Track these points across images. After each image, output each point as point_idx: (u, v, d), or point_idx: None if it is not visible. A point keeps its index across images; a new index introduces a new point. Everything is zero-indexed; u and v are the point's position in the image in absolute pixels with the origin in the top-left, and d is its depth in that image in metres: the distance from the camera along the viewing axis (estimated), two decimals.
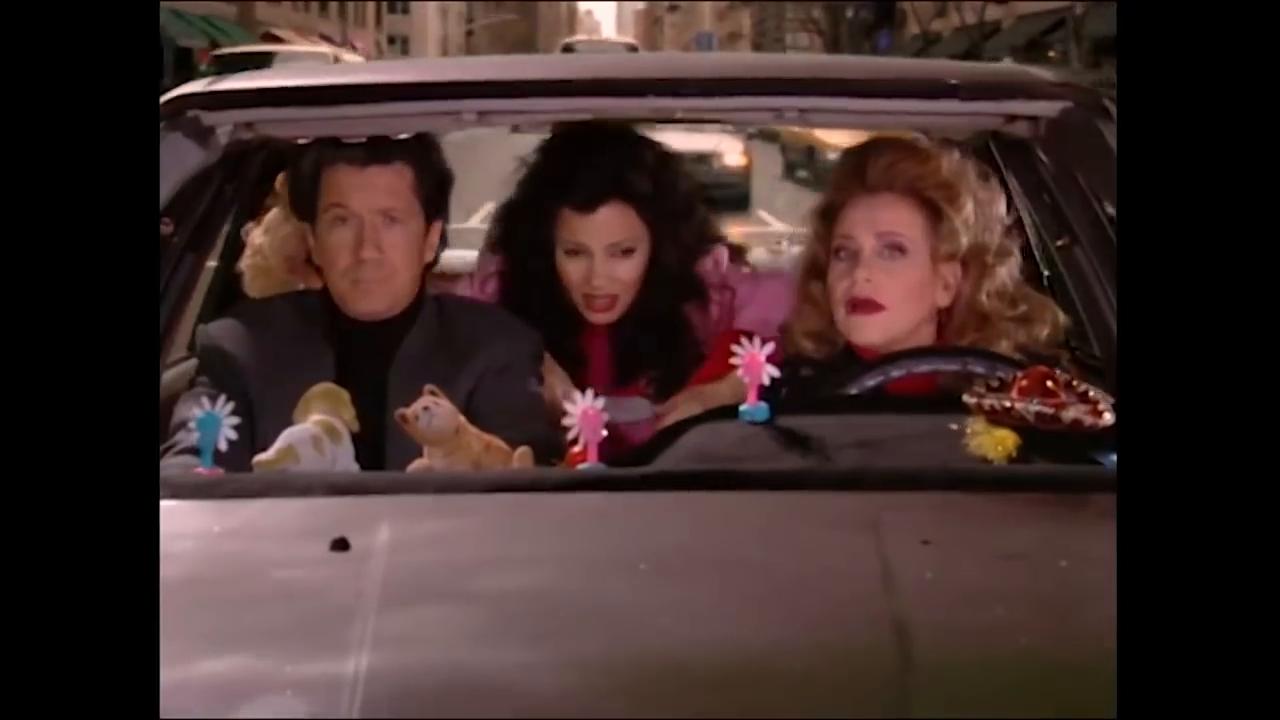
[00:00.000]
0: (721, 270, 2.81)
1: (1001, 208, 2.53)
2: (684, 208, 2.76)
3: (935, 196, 2.42)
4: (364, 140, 2.47)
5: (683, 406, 2.50)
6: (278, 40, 39.98)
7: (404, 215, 2.48)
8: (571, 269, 2.67)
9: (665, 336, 2.71)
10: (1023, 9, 38.78)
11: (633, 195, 2.65)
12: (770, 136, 23.86)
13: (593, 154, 2.63)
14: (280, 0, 44.62)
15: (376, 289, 2.47)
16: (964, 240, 2.42)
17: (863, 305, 2.39)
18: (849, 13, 49.13)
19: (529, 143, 2.86)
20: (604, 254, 2.64)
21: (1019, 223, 2.77)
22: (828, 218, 2.49)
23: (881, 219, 2.41)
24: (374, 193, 2.46)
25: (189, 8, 36.94)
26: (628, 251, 2.66)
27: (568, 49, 42.56)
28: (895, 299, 2.39)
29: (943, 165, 2.46)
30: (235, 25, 39.97)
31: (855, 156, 2.51)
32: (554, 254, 2.68)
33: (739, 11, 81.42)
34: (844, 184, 2.48)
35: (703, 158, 16.07)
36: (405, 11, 66.65)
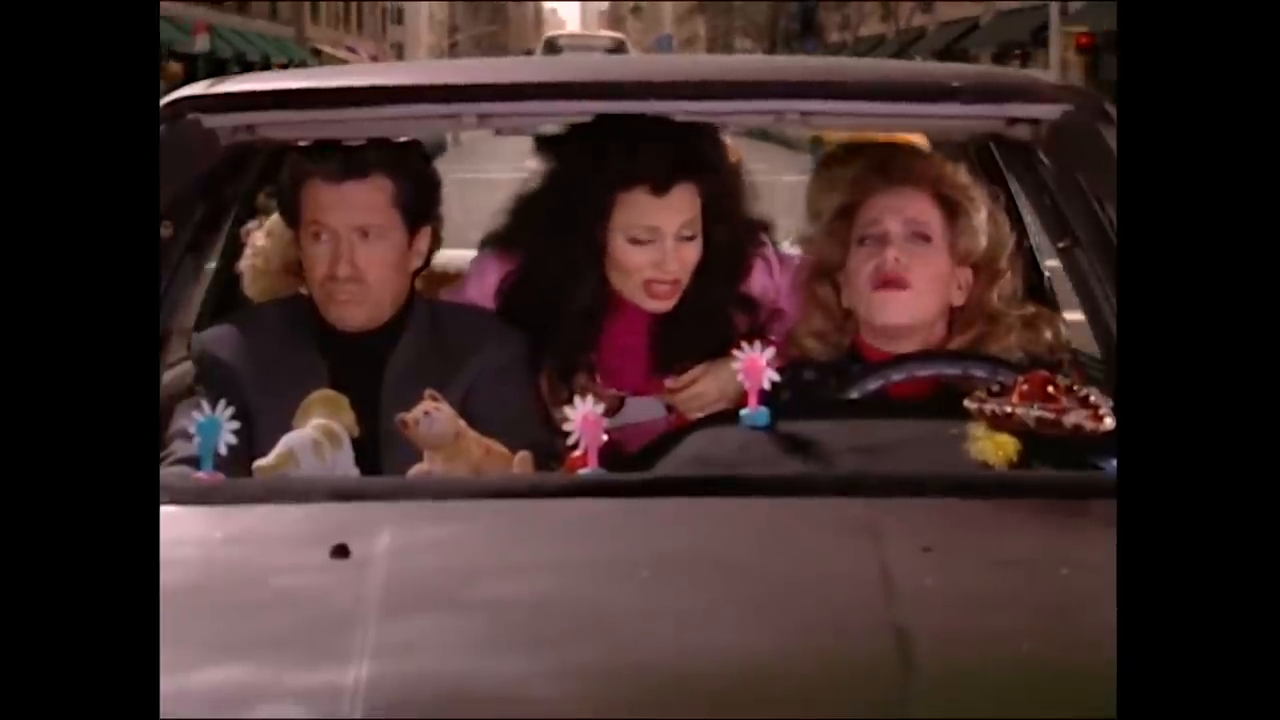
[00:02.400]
0: (771, 264, 2.73)
1: (1009, 224, 2.56)
2: (733, 188, 2.69)
3: (954, 196, 2.47)
4: (335, 151, 2.45)
5: (701, 381, 2.52)
6: (319, 54, 47.02)
7: (382, 230, 2.46)
8: (637, 256, 2.56)
9: (708, 325, 2.63)
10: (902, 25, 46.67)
11: (699, 174, 2.56)
12: (767, 134, 22.66)
13: (658, 134, 2.51)
14: (320, 22, 54.18)
15: (353, 303, 2.46)
16: (981, 241, 2.46)
17: (892, 282, 2.41)
18: (781, 22, 55.24)
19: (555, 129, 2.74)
20: (674, 237, 2.55)
21: (1023, 235, 2.79)
22: (846, 216, 2.50)
23: (908, 208, 2.45)
24: (349, 210, 2.44)
25: (266, 29, 44.55)
26: (692, 236, 2.58)
27: (551, 44, 41.95)
28: (922, 281, 2.42)
29: (960, 170, 2.54)
30: (296, 44, 47.21)
31: (874, 157, 2.56)
32: (602, 241, 2.58)
33: (695, 16, 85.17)
34: (864, 182, 2.51)
35: None
36: (400, 22, 74.68)
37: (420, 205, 2.52)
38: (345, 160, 2.44)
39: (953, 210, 2.46)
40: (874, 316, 2.44)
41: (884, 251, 2.42)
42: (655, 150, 2.51)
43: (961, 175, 2.52)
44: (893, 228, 2.43)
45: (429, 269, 2.65)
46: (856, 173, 2.56)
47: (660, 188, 2.53)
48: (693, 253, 2.58)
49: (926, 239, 2.44)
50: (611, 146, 2.54)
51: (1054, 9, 29.34)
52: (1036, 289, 2.91)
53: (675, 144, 2.52)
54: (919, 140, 2.72)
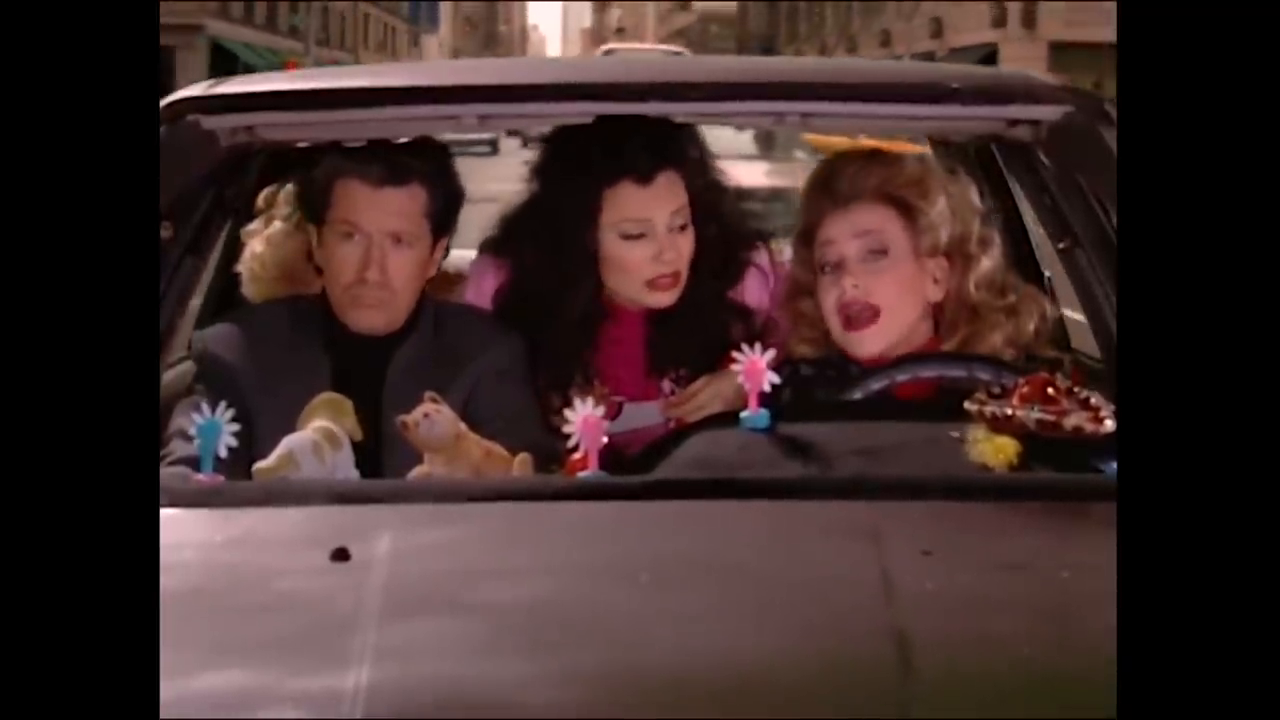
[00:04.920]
0: (765, 272, 2.73)
1: (974, 198, 2.54)
2: (719, 184, 2.70)
3: (905, 195, 2.44)
4: (377, 155, 2.46)
5: (703, 394, 2.51)
6: None
7: (412, 238, 2.48)
8: (634, 252, 2.56)
9: (702, 327, 2.64)
10: None
11: (682, 162, 2.57)
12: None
13: (635, 127, 2.51)
14: (369, 48, 63.89)
15: (376, 308, 2.47)
16: (942, 233, 2.43)
17: (857, 317, 2.39)
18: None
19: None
20: (666, 227, 2.55)
21: (1002, 213, 2.76)
22: (805, 240, 2.50)
23: (858, 225, 2.42)
24: (385, 214, 2.45)
25: (340, 56, 51.86)
26: (685, 226, 2.58)
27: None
28: (887, 300, 2.40)
29: (907, 165, 2.48)
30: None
31: (820, 175, 2.51)
32: (594, 243, 2.58)
33: (675, 41, 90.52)
34: (814, 204, 2.49)
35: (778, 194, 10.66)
36: (417, 45, 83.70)
37: (446, 217, 2.54)
38: (387, 165, 2.46)
39: (907, 211, 2.43)
40: (851, 350, 2.42)
41: (842, 280, 2.40)
42: (634, 142, 2.52)
43: (909, 170, 2.46)
44: (847, 251, 2.41)
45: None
46: (805, 192, 2.52)
47: (645, 178, 2.54)
48: (687, 243, 2.59)
49: (884, 251, 2.41)
50: (592, 145, 2.55)
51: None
52: (1026, 268, 2.90)
53: (652, 135, 2.53)
54: (863, 143, 2.67)
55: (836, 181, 2.46)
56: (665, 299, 2.61)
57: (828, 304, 2.42)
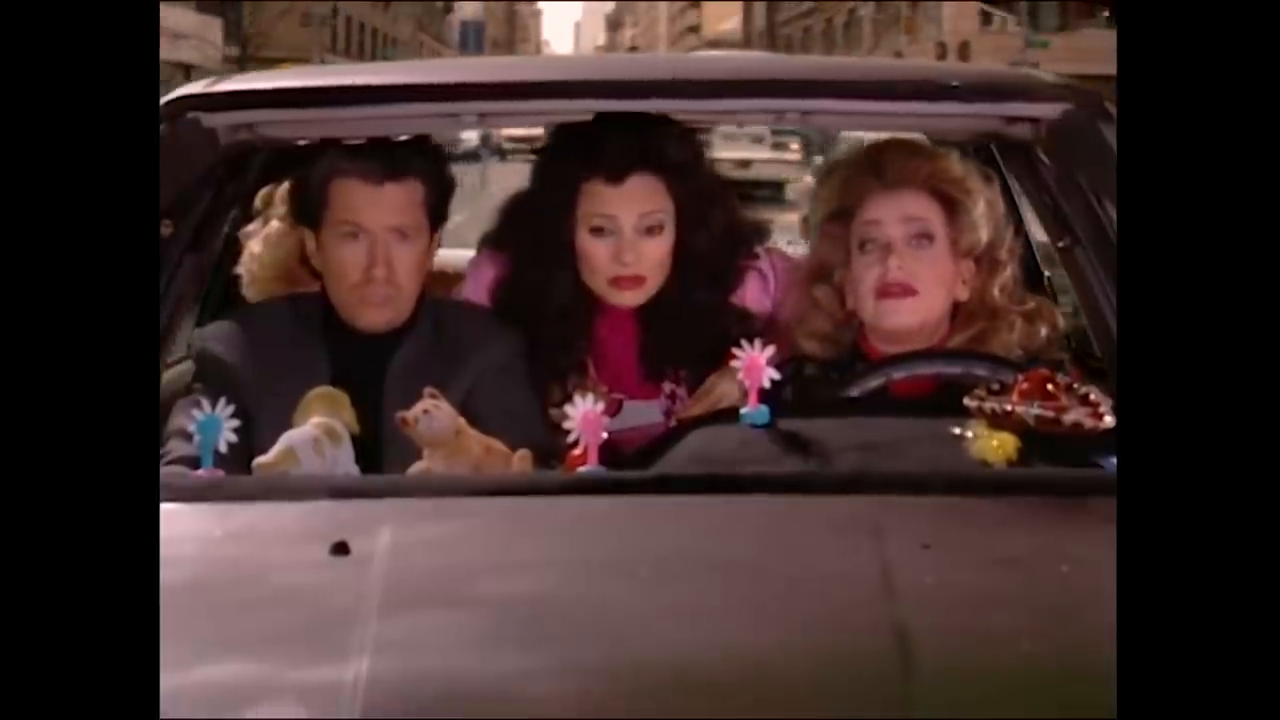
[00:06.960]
0: (765, 274, 2.72)
1: (1004, 209, 2.54)
2: (712, 188, 2.70)
3: (952, 191, 2.45)
4: (375, 152, 2.46)
5: (718, 390, 2.49)
6: None
7: (414, 231, 2.48)
8: (598, 248, 2.57)
9: (696, 330, 2.63)
10: None
11: (661, 166, 2.57)
12: None
13: (619, 126, 2.53)
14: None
15: (384, 305, 2.47)
16: (982, 234, 2.45)
17: (896, 290, 2.40)
18: None
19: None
20: (633, 229, 2.56)
21: (1021, 226, 2.77)
22: (843, 219, 2.49)
23: (906, 210, 2.43)
24: (387, 210, 2.45)
25: None
26: (655, 229, 2.58)
27: None
28: (928, 284, 2.41)
29: (953, 163, 2.50)
30: None
31: (867, 158, 2.52)
32: (574, 238, 2.59)
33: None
34: (859, 184, 2.49)
35: None
36: None
37: (441, 208, 2.54)
38: (386, 162, 2.46)
39: (952, 206, 2.44)
40: (881, 321, 2.42)
41: (887, 259, 2.40)
42: (613, 141, 2.53)
43: (955, 168, 2.49)
44: (894, 233, 2.42)
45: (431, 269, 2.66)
46: (850, 174, 2.53)
47: (616, 177, 2.54)
48: (657, 247, 2.58)
49: (929, 238, 2.42)
50: (577, 140, 2.57)
51: None
52: (1034, 279, 2.91)
53: (632, 136, 2.53)
54: (913, 136, 2.69)
55: (885, 166, 2.47)
56: (629, 299, 2.61)
57: (866, 281, 2.42)
